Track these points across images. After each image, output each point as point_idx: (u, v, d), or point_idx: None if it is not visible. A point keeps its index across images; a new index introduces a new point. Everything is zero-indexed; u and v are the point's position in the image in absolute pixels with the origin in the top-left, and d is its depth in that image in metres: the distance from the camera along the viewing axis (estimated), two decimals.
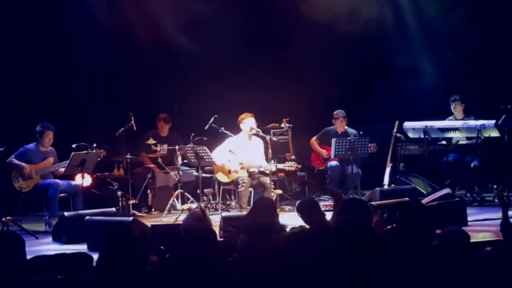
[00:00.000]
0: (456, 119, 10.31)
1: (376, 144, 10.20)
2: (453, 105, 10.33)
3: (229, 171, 9.85)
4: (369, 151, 10.10)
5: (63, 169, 9.36)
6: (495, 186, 10.22)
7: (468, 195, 10.00)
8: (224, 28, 11.61)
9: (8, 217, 8.64)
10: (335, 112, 10.59)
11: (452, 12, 11.32)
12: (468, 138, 10.09)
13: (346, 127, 10.58)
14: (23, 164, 9.26)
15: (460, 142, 10.14)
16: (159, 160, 10.27)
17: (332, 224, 5.44)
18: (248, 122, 9.94)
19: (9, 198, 9.21)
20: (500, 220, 5.57)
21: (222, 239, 7.02)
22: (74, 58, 11.32)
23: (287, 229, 5.17)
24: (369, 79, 11.81)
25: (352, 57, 11.81)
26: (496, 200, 9.89)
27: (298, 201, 6.02)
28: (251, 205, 7.96)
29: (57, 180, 9.32)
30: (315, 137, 10.76)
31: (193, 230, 4.58)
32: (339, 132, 10.52)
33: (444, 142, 10.20)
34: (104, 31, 11.19)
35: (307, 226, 5.37)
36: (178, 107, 11.26)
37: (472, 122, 9.95)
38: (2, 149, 9.01)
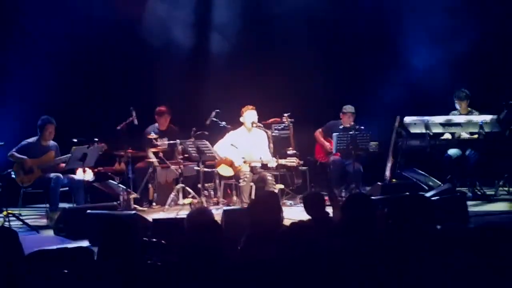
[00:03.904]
0: (460, 114, 10.26)
1: (377, 143, 10.17)
2: (458, 102, 10.28)
3: (232, 163, 9.83)
4: (371, 150, 10.08)
5: (64, 164, 9.37)
6: (501, 182, 10.18)
7: (470, 190, 10.00)
8: (225, 21, 11.65)
9: (9, 211, 8.65)
10: (344, 107, 10.54)
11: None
12: (471, 133, 10.07)
13: (352, 122, 10.52)
14: (25, 157, 9.27)
15: (463, 137, 10.11)
16: (160, 154, 10.27)
17: (335, 218, 5.47)
18: (248, 115, 9.92)
19: (10, 191, 9.22)
20: (500, 215, 5.56)
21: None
22: (75, 51, 11.30)
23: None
24: (371, 74, 11.78)
25: (355, 51, 11.81)
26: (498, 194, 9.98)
27: (304, 193, 6.03)
28: (252, 200, 7.95)
29: (58, 174, 9.34)
30: (319, 129, 10.73)
31: (198, 224, 4.57)
32: (343, 127, 10.47)
33: (449, 136, 10.15)
34: (105, 25, 11.17)
35: (306, 221, 5.38)
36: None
37: (475, 117, 9.92)
38: (2, 143, 9.02)
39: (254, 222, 4.84)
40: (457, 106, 10.30)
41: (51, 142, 9.57)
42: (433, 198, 8.02)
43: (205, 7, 11.86)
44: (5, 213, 8.60)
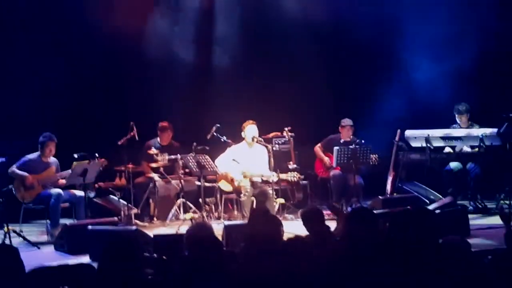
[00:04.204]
0: (461, 127, 10.27)
1: (378, 156, 10.16)
2: (458, 116, 10.29)
3: (232, 180, 9.84)
4: (371, 163, 10.07)
5: (64, 180, 9.36)
6: (502, 196, 10.14)
7: (471, 203, 9.99)
8: (225, 36, 11.70)
9: (10, 227, 8.62)
10: (342, 121, 10.54)
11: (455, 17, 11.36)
12: (471, 147, 10.07)
13: (351, 136, 10.52)
14: (26, 174, 9.27)
15: (464, 150, 10.11)
16: (161, 169, 10.26)
17: (337, 233, 5.45)
18: (249, 129, 9.93)
19: (10, 207, 9.21)
20: (502, 229, 5.53)
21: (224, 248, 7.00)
22: (76, 65, 11.31)
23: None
24: (372, 87, 11.78)
25: (356, 65, 11.83)
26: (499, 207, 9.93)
27: (302, 209, 6.03)
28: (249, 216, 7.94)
29: (59, 190, 9.32)
30: (319, 144, 10.72)
31: (197, 240, 4.57)
32: (343, 141, 10.46)
33: (450, 150, 10.15)
34: (106, 39, 11.19)
35: (303, 236, 5.37)
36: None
37: (475, 131, 9.92)
38: (3, 159, 9.02)
39: (252, 237, 4.83)
40: (458, 120, 10.31)
41: (52, 158, 9.57)
42: (434, 212, 8.02)
43: (206, 22, 11.91)
44: (6, 229, 8.58)
